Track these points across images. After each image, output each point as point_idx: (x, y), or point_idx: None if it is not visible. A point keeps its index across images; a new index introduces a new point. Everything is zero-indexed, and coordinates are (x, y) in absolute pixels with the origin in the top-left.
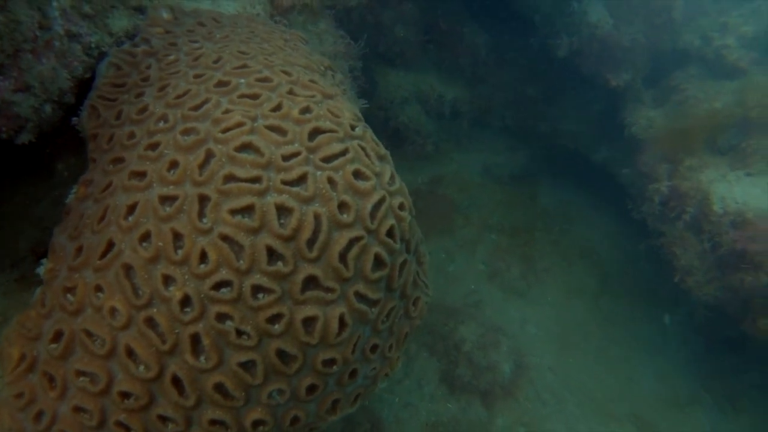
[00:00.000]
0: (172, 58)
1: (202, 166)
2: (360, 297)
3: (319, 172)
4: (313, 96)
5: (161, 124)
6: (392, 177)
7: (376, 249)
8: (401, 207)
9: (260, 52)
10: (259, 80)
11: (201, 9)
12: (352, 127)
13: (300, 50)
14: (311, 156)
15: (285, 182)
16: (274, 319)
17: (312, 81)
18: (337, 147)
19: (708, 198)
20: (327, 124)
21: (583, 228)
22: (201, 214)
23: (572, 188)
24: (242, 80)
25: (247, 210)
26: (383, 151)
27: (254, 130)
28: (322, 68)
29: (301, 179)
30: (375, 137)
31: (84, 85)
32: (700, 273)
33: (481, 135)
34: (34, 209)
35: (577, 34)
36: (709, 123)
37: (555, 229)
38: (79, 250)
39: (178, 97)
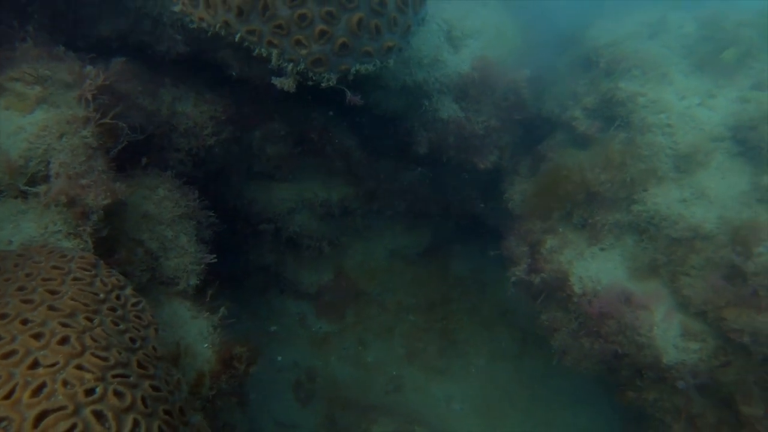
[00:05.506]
0: None
1: None
2: None
3: None
4: (55, 364)
5: None
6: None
7: None
8: None
9: (23, 310)
10: (5, 356)
11: None
12: (89, 392)
13: (79, 283)
14: None
15: None
16: None
17: (62, 341)
18: (63, 427)
19: (568, 279)
20: (57, 402)
21: (499, 289)
22: None
23: (482, 252)
24: None
25: None
26: (127, 401)
27: None
28: (102, 295)
29: None
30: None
31: None
32: (574, 350)
33: (378, 223)
34: None
35: (433, 131)
36: (561, 191)
37: (472, 296)
38: None
39: None
